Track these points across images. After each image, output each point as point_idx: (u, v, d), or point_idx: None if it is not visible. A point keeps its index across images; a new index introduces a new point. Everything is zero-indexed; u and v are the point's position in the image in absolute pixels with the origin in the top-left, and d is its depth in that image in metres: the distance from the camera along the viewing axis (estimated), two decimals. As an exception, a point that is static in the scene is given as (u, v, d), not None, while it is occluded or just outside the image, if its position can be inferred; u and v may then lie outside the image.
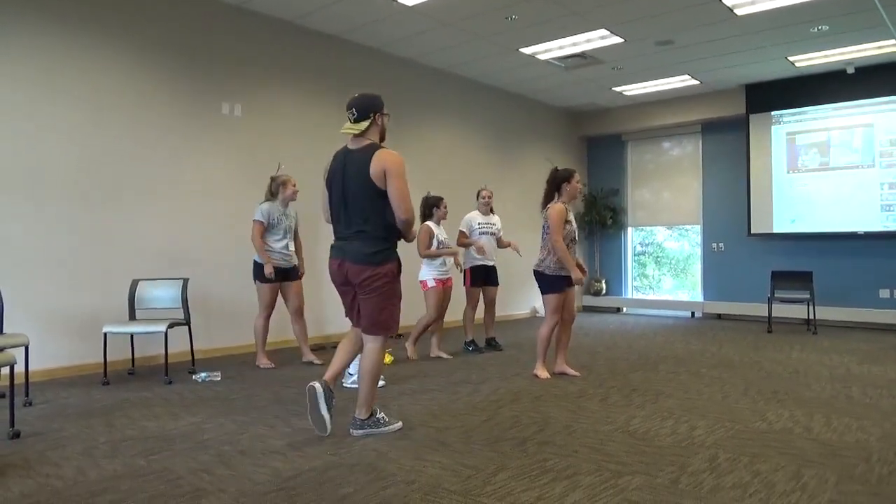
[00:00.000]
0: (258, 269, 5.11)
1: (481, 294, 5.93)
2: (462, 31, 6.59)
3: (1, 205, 4.60)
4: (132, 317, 4.88)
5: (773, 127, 8.44)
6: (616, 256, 10.32)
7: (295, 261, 5.31)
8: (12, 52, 4.66)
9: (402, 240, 3.31)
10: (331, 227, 3.36)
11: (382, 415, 3.34)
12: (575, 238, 4.68)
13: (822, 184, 8.07)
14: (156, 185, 5.42)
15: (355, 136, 3.25)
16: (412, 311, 5.97)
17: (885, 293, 7.76)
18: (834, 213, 7.97)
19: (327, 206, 3.35)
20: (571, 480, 2.62)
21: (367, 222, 3.17)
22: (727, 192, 9.06)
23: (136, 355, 5.07)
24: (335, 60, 6.78)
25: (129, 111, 5.28)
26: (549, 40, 6.87)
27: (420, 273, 5.52)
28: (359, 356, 3.42)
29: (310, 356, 5.35)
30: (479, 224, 5.87)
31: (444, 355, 5.64)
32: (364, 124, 3.22)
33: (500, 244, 5.98)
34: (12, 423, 3.26)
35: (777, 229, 8.42)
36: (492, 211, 6.03)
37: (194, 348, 5.05)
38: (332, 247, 3.32)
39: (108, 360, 4.59)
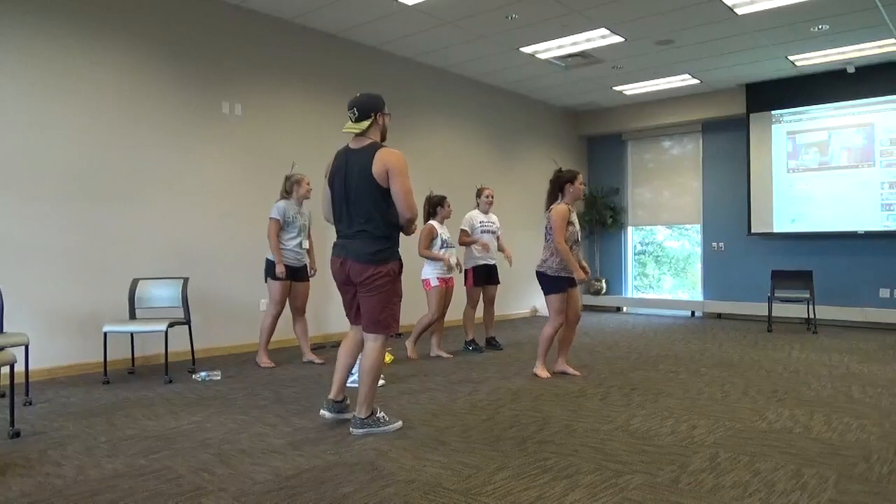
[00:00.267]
0: (270, 267, 5.12)
1: (482, 293, 5.94)
2: (462, 30, 6.59)
3: (1, 203, 4.60)
4: (132, 316, 4.88)
5: (773, 126, 8.44)
6: (616, 256, 10.32)
7: (307, 260, 5.33)
8: (13, 52, 4.66)
9: (402, 233, 3.33)
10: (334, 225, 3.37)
11: (382, 414, 3.34)
12: (578, 239, 4.68)
13: (823, 183, 8.07)
14: (156, 184, 5.42)
15: (357, 135, 3.26)
16: (412, 311, 5.98)
17: (885, 292, 7.76)
18: (834, 212, 7.97)
19: (327, 205, 3.36)
20: (571, 480, 2.62)
21: (369, 221, 3.18)
22: (727, 191, 9.07)
23: (136, 354, 5.08)
24: (335, 59, 6.78)
25: (130, 110, 5.28)
26: (549, 39, 6.87)
27: (423, 271, 5.52)
28: (360, 355, 3.43)
29: (310, 356, 5.35)
30: (480, 223, 5.87)
31: (445, 354, 5.64)
32: (365, 124, 3.23)
33: (499, 247, 5.98)
34: (12, 423, 3.26)
35: (777, 229, 8.42)
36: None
37: (194, 347, 5.05)
38: (334, 245, 3.34)
39: (108, 359, 4.59)
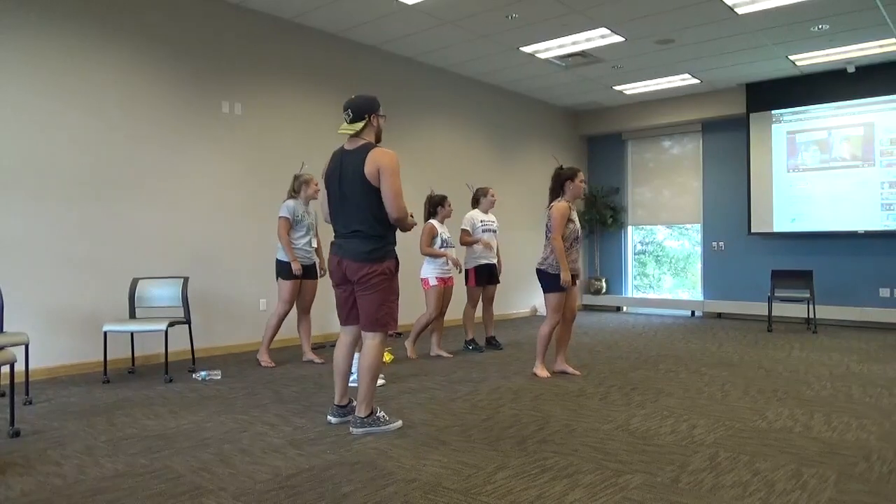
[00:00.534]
0: (281, 267, 5.13)
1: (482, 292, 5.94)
2: (462, 29, 6.58)
3: (1, 203, 4.60)
4: (132, 315, 4.88)
5: (773, 126, 8.44)
6: (616, 255, 10.32)
7: (315, 259, 5.34)
8: (14, 52, 4.66)
9: (400, 230, 3.35)
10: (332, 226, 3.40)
11: (382, 413, 3.35)
12: (579, 237, 4.68)
13: (823, 183, 8.06)
14: (156, 183, 5.42)
15: (351, 136, 3.30)
16: (412, 310, 5.99)
17: (885, 292, 7.76)
18: (834, 211, 7.97)
19: (326, 205, 3.40)
20: (571, 479, 2.62)
21: (364, 221, 3.22)
22: (727, 190, 9.06)
23: (136, 354, 5.08)
24: (335, 59, 6.78)
25: (130, 109, 5.28)
26: (549, 39, 6.86)
27: (422, 271, 5.52)
28: (358, 354, 3.44)
29: (310, 355, 5.36)
30: (481, 222, 5.87)
31: (444, 354, 5.64)
32: (359, 125, 3.27)
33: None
34: (12, 422, 3.26)
35: (777, 228, 8.42)
36: None
37: (194, 347, 5.05)
38: (331, 244, 3.39)
39: (108, 358, 4.59)
